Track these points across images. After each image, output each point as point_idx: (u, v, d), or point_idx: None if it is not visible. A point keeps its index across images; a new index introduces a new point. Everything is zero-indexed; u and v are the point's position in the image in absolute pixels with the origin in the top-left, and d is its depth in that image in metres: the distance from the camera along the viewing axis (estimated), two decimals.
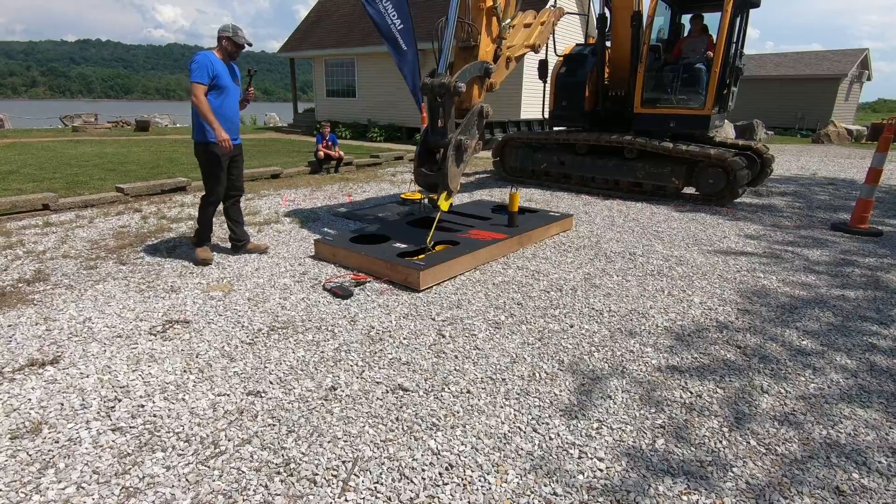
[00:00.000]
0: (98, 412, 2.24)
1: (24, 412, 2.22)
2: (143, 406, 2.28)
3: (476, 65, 4.45)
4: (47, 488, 1.81)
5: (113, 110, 35.30)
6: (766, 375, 2.65)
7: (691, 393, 2.48)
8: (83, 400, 2.32)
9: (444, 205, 4.20)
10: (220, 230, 5.10)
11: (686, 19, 7.52)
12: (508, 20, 4.95)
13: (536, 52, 5.81)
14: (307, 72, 20.96)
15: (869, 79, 26.10)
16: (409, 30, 5.66)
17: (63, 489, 1.81)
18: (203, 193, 4.17)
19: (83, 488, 1.82)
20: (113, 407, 2.27)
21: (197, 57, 3.87)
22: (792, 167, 11.07)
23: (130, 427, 2.14)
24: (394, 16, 5.45)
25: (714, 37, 6.77)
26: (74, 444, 2.03)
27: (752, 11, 6.95)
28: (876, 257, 4.70)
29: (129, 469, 1.91)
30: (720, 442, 2.13)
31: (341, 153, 9.28)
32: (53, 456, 1.97)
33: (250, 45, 4.03)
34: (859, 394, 2.50)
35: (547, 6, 6.42)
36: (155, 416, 2.22)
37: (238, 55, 4.06)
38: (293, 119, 20.42)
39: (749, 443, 2.13)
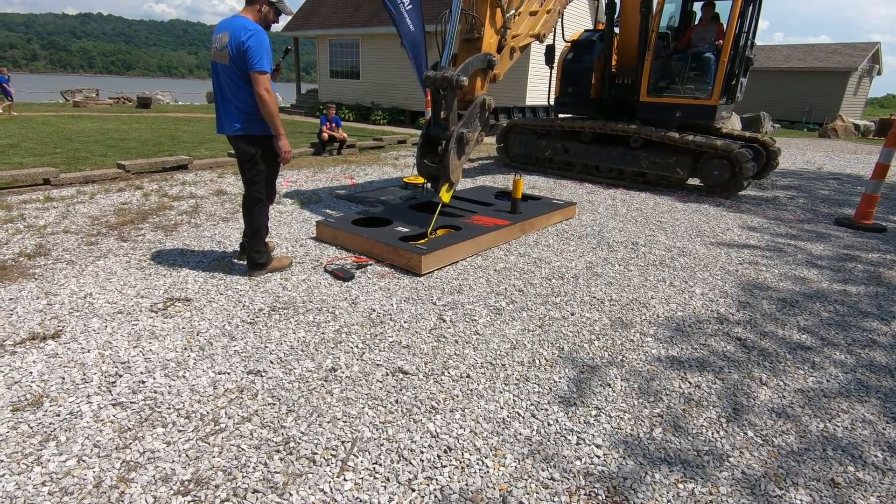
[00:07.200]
0: (99, 387, 2.24)
1: (26, 385, 2.23)
2: (143, 382, 2.29)
3: (479, 57, 4.39)
4: (48, 460, 1.82)
5: (114, 86, 34.95)
6: (765, 368, 2.65)
7: (690, 383, 2.48)
8: (84, 374, 2.33)
9: (445, 196, 4.21)
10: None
11: (698, 7, 7.39)
12: (513, 11, 4.87)
13: (541, 41, 5.73)
14: (311, 52, 20.74)
15: (879, 73, 25.81)
16: (418, 10, 5.59)
17: (64, 461, 1.82)
18: (257, 196, 3.37)
19: (84, 461, 1.83)
20: (114, 382, 2.28)
21: (252, 28, 2.91)
22: (797, 161, 11.00)
23: (131, 402, 2.15)
24: None
25: (724, 25, 6.67)
26: (75, 418, 2.04)
27: (763, 1, 6.83)
28: (879, 253, 4.68)
29: (130, 443, 1.92)
30: (717, 432, 2.14)
31: (345, 135, 9.22)
32: (54, 429, 1.98)
33: (291, 13, 3.27)
34: (857, 389, 2.51)
35: None
36: (155, 392, 2.23)
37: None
38: (296, 99, 20.25)
39: (746, 434, 2.14)
